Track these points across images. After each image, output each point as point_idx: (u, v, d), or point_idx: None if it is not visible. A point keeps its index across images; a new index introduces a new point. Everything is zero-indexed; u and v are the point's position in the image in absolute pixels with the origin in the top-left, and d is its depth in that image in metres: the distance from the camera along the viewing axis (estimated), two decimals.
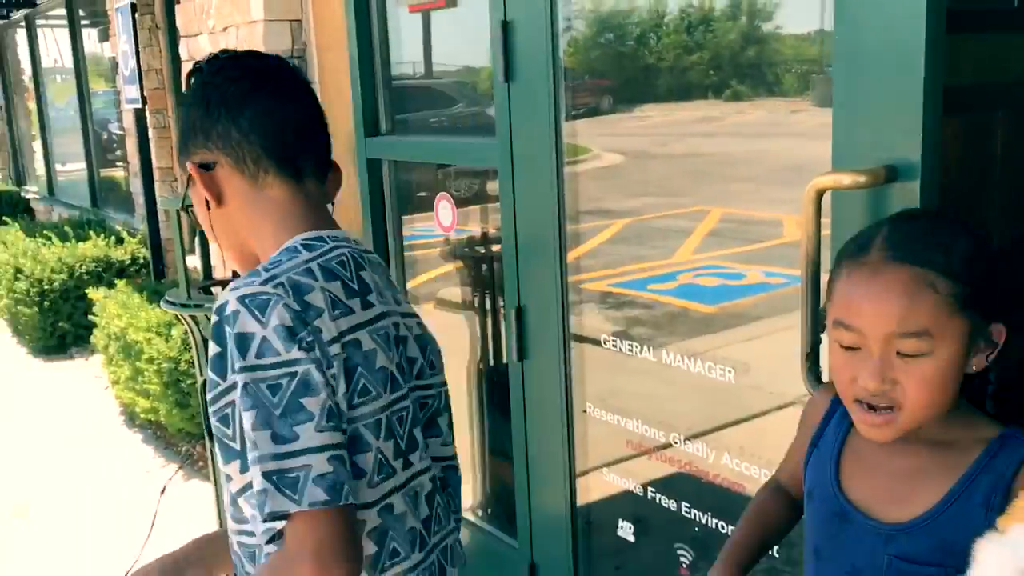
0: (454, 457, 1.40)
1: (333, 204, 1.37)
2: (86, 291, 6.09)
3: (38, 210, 10.24)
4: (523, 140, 2.28)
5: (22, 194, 10.69)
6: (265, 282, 1.14)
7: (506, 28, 2.23)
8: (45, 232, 6.77)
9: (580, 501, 2.39)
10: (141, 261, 6.46)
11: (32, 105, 10.43)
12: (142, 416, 4.68)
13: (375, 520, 1.21)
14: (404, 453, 1.24)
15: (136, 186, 6.88)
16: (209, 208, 1.29)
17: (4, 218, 8.11)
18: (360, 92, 2.90)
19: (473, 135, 2.91)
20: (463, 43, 2.88)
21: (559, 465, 2.38)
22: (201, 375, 2.83)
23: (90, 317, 5.19)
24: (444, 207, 2.77)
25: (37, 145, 10.67)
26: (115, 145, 8.46)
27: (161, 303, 2.80)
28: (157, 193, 5.65)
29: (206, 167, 1.28)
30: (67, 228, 6.85)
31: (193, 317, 2.70)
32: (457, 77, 3.11)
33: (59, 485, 4.32)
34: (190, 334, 2.81)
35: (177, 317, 4.32)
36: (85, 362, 6.15)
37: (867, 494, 1.12)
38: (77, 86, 8.52)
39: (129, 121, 6.68)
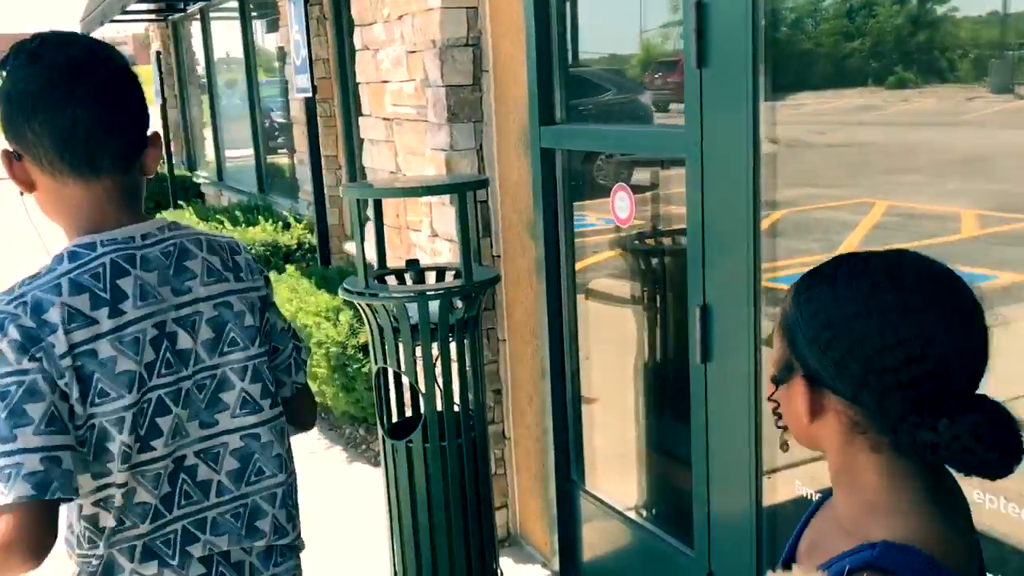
0: (257, 424, 1.49)
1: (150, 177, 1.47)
2: None
3: (208, 194, 10.76)
4: (715, 128, 2.16)
5: (193, 179, 11.25)
6: (10, 302, 1.31)
7: (701, 10, 2.11)
8: (218, 216, 7.07)
9: (766, 511, 2.27)
10: (306, 246, 6.66)
11: (204, 94, 10.95)
12: None
13: (113, 492, 1.38)
14: (142, 442, 1.37)
15: (302, 173, 7.10)
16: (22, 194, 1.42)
17: (179, 202, 8.54)
18: (536, 80, 2.84)
19: (626, 123, 2.82)
20: (622, 28, 2.79)
21: (744, 473, 2.26)
22: (375, 363, 2.84)
23: None
24: (621, 198, 2.68)
25: (208, 132, 11.21)
26: (278, 133, 8.77)
27: (340, 291, 2.82)
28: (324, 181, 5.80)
29: (17, 156, 1.37)
30: (238, 213, 7.13)
31: (370, 305, 2.71)
32: (613, 63, 3.03)
33: None
34: (366, 322, 2.82)
35: (346, 303, 4.42)
36: None
37: None
38: (246, 75, 8.87)
39: (297, 110, 6.89)
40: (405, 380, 2.95)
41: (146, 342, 1.37)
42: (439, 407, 2.82)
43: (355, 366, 4.22)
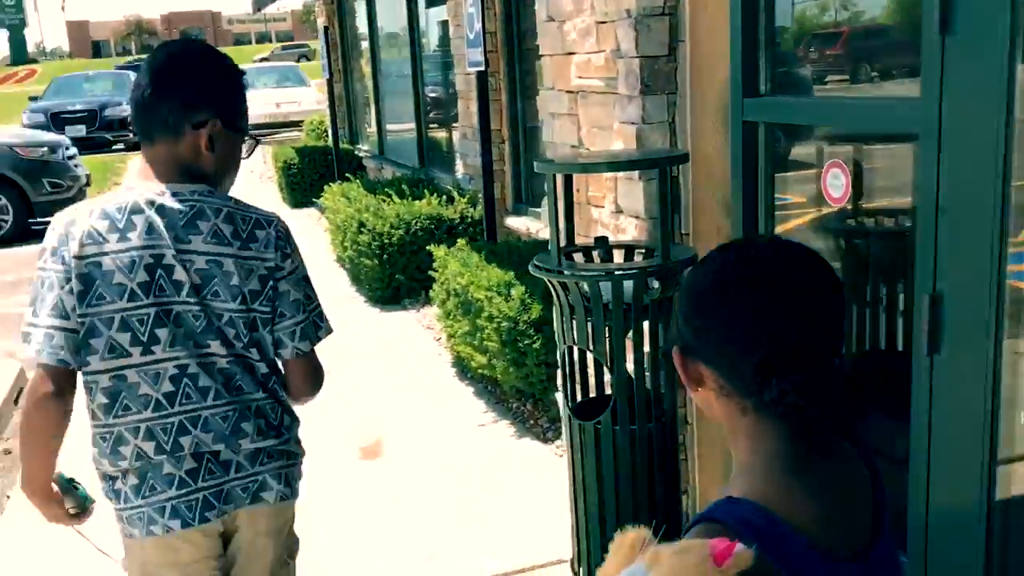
0: (233, 357, 1.87)
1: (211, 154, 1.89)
2: (421, 247, 6.42)
3: (369, 168, 11.01)
4: (959, 101, 1.97)
5: (356, 152, 11.53)
6: (65, 213, 1.85)
7: None
8: (385, 189, 7.20)
9: (998, 523, 2.08)
10: (468, 220, 6.70)
11: (367, 68, 11.18)
12: (476, 370, 4.83)
13: (107, 383, 1.83)
14: (144, 344, 1.81)
15: (464, 147, 7.14)
16: None
17: (347, 175, 8.76)
18: (740, 50, 2.70)
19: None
20: None
21: (972, 474, 2.08)
22: (563, 341, 2.79)
23: (429, 273, 5.43)
24: (835, 175, 2.52)
25: (370, 106, 11.45)
26: (438, 107, 8.85)
27: (530, 267, 2.78)
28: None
29: None
30: (404, 186, 7.24)
31: (562, 283, 2.66)
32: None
33: (397, 427, 4.56)
34: (555, 300, 2.77)
35: (519, 277, 4.40)
36: (417, 313, 6.50)
37: None
38: (410, 50, 8.98)
39: (463, 84, 6.92)
40: (590, 359, 2.89)
41: (141, 266, 1.81)
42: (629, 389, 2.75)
43: (526, 341, 4.20)
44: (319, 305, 1.98)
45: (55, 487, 1.92)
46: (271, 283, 1.87)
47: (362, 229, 6.64)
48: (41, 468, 1.88)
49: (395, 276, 6.62)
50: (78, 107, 18.86)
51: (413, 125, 9.29)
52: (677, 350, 1.13)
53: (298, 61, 33.39)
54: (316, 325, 1.95)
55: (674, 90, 3.10)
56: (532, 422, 4.47)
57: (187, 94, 1.86)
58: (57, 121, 18.41)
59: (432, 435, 4.45)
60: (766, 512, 1.02)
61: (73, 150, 12.40)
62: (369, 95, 11.32)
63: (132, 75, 21.10)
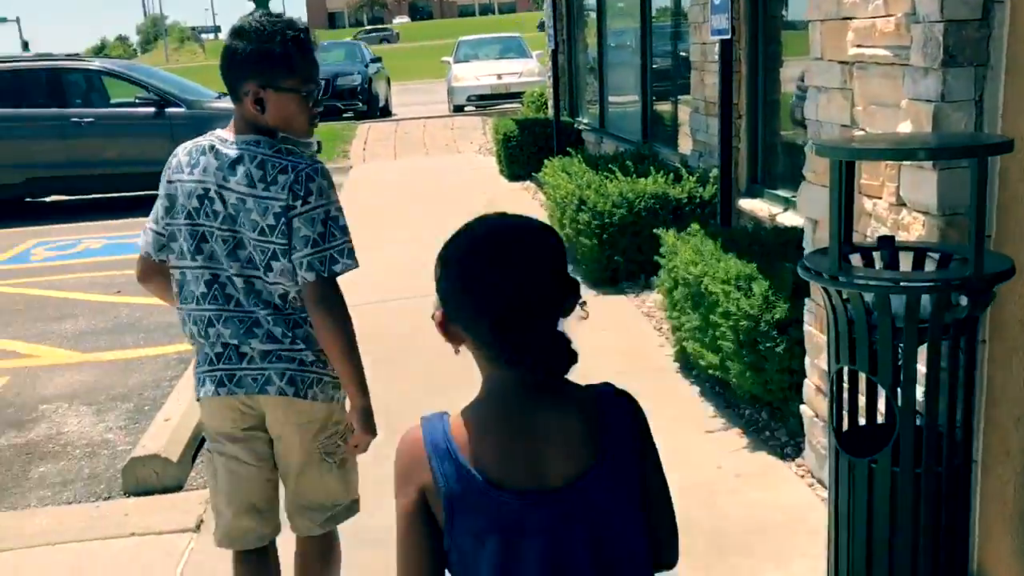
0: (255, 276, 2.31)
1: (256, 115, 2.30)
2: (644, 228, 6.04)
3: (588, 141, 10.70)
4: None
5: (575, 125, 11.25)
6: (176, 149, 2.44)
7: None
8: (609, 166, 6.85)
9: None
10: (697, 200, 6.24)
11: (592, 38, 10.84)
12: (704, 369, 4.42)
13: (177, 275, 2.40)
14: (193, 253, 2.34)
15: (695, 121, 6.67)
16: None
17: (567, 148, 8.49)
18: None
19: None
20: None
21: None
22: (836, 360, 2.35)
23: (655, 258, 5.05)
24: None
25: (592, 78, 11.12)
26: (664, 79, 8.38)
27: (799, 270, 2.36)
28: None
29: None
30: (628, 162, 6.87)
31: (839, 292, 2.22)
32: None
33: None
34: (827, 310, 2.33)
35: (763, 271, 3.94)
36: (636, 299, 6.14)
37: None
38: (640, 18, 8.55)
39: (698, 54, 6.44)
40: (861, 380, 2.43)
41: (195, 195, 2.30)
42: (917, 423, 2.27)
43: (767, 344, 3.75)
44: (343, 244, 2.30)
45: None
46: (284, 220, 2.24)
47: (582, 207, 6.34)
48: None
49: (614, 258, 6.28)
50: None
51: (637, 97, 8.87)
52: (440, 312, 1.34)
53: (380, 44, 33.15)
54: (332, 259, 2.27)
55: (984, 61, 2.55)
56: (768, 433, 4.01)
57: (229, 68, 2.32)
58: None
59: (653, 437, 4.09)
60: (445, 430, 1.33)
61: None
62: (593, 66, 10.98)
63: (364, 45, 21.91)
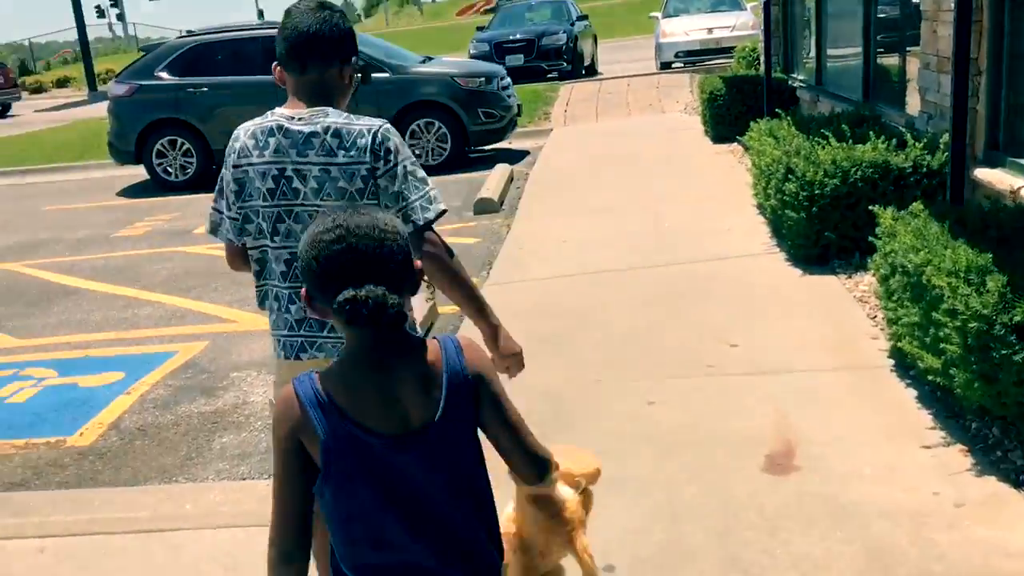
0: None
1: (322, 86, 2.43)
2: (860, 200, 5.40)
3: (803, 100, 9.89)
4: None
5: (789, 82, 10.43)
6: (236, 131, 2.49)
7: None
8: (821, 130, 6.19)
9: None
10: (922, 170, 5.50)
11: None
12: (923, 373, 3.82)
13: (257, 255, 2.48)
14: (270, 234, 2.42)
15: (927, 79, 5.87)
16: None
17: (776, 109, 7.82)
18: None
19: None
20: None
21: None
22: None
23: (870, 238, 4.45)
24: None
25: (809, 29, 10.23)
26: (890, 30, 7.50)
27: None
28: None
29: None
30: (844, 126, 6.18)
31: None
32: None
33: (816, 430, 3.75)
34: None
35: (1000, 262, 3.32)
36: (848, 280, 5.51)
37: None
38: None
39: (929, 2, 5.65)
40: None
41: (269, 176, 2.37)
42: None
43: (1003, 351, 3.15)
44: (428, 192, 2.39)
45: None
46: (371, 181, 2.33)
47: (789, 176, 5.75)
48: None
49: (824, 233, 5.67)
50: (518, 36, 19.59)
51: (859, 50, 8.01)
52: (305, 291, 1.66)
53: None
54: (424, 208, 2.37)
55: None
56: (1000, 454, 3.40)
57: (329, 41, 2.40)
58: (499, 51, 19.29)
59: (857, 449, 3.58)
60: (315, 385, 1.62)
61: (507, 80, 12.73)
62: (809, 17, 10.09)
63: (572, 2, 21.51)
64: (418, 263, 1.68)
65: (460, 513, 1.65)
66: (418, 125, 11.79)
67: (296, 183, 2.36)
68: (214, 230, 2.53)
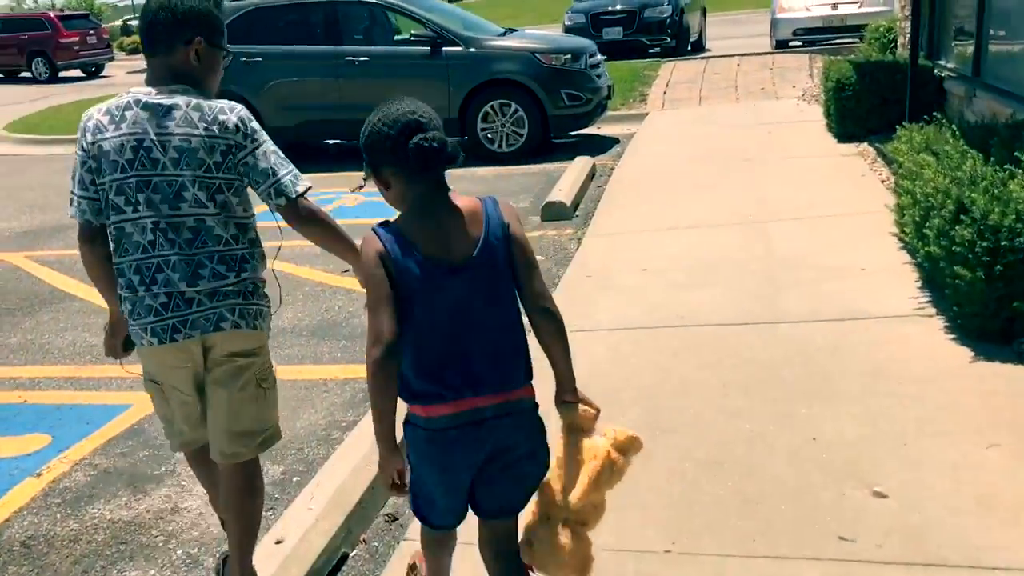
0: (203, 214, 2.52)
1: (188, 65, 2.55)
2: None
3: (954, 94, 8.03)
4: None
5: (935, 71, 8.55)
6: (86, 111, 2.59)
7: None
8: (1014, 152, 4.45)
9: None
10: None
11: None
12: None
13: (113, 231, 2.53)
14: (133, 204, 2.49)
15: None
16: None
17: (932, 113, 6.05)
18: None
19: None
20: None
21: None
22: None
23: None
24: None
25: (964, 7, 8.33)
26: None
27: None
28: None
29: None
30: None
31: None
32: None
33: None
34: None
35: None
36: None
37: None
38: None
39: None
40: None
41: (128, 147, 2.48)
42: None
43: None
44: (292, 169, 2.57)
45: (115, 324, 2.74)
46: (229, 157, 2.49)
47: (962, 217, 4.08)
48: (107, 300, 2.71)
49: (1011, 303, 3.99)
50: (618, 7, 17.81)
51: None
52: (370, 173, 2.18)
53: None
54: (292, 183, 2.54)
55: None
56: None
57: (177, 20, 2.53)
58: (596, 23, 17.61)
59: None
60: (399, 231, 2.13)
61: (598, 57, 11.11)
62: None
63: None
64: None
65: (494, 324, 2.16)
66: (492, 107, 10.33)
67: (156, 153, 2.47)
68: (79, 214, 2.57)
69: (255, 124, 2.53)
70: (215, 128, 2.46)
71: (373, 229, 2.14)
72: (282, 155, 2.56)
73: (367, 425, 3.93)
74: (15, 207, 9.85)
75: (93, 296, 6.35)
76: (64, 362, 5.24)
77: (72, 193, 2.56)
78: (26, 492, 3.78)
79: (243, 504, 2.72)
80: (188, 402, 2.67)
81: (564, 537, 2.24)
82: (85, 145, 2.51)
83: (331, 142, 11.86)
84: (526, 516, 2.32)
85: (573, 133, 11.10)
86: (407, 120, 2.10)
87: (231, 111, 2.49)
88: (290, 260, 6.92)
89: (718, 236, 6.32)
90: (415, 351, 2.13)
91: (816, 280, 5.19)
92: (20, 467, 3.98)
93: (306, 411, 4.35)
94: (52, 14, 28.43)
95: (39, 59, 26.48)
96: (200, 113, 2.46)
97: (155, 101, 2.48)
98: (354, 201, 8.94)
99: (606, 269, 5.90)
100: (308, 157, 11.37)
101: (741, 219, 6.66)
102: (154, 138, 2.46)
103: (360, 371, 4.74)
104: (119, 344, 2.77)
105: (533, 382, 2.23)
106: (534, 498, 2.29)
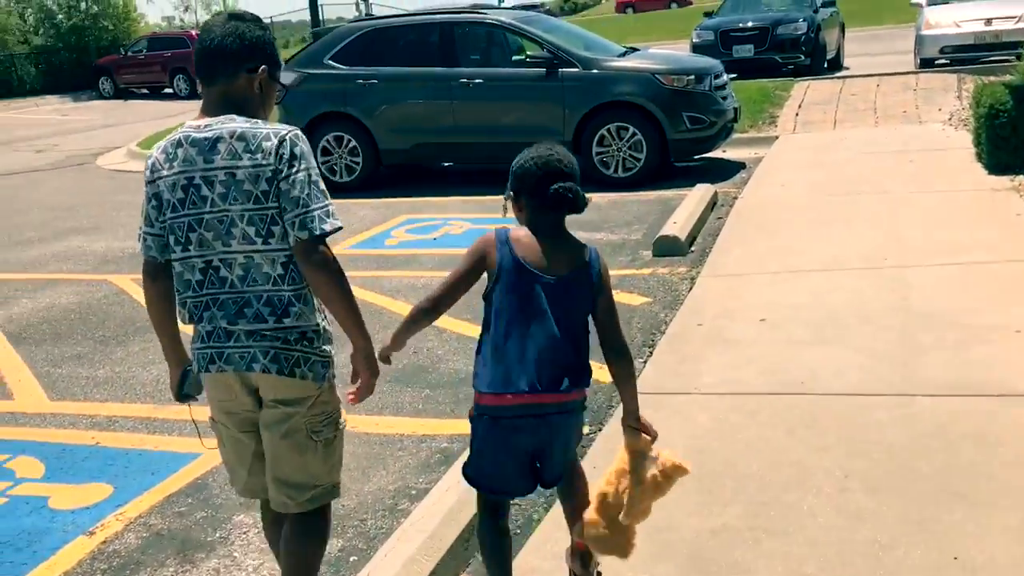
0: (253, 251, 2.43)
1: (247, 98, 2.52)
2: None
3: None
4: None
5: None
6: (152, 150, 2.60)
7: None
8: None
9: None
10: None
11: None
12: None
13: (178, 268, 2.51)
14: (183, 244, 2.47)
15: None
16: None
17: None
18: None
19: None
20: None
21: None
22: None
23: None
24: None
25: None
26: None
27: None
28: None
29: None
30: None
31: None
32: None
33: None
34: None
35: None
36: None
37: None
38: None
39: None
40: None
41: (179, 186, 2.44)
42: None
43: None
44: (326, 205, 2.41)
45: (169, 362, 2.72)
46: (275, 184, 2.38)
47: None
48: (161, 337, 2.69)
49: None
50: (749, 24, 17.05)
51: None
52: (510, 196, 2.61)
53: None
54: (321, 219, 2.38)
55: None
56: None
57: (243, 49, 2.48)
58: (726, 40, 16.90)
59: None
60: (516, 237, 2.56)
61: (724, 78, 10.51)
62: None
63: None
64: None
65: (565, 337, 2.53)
66: (608, 130, 9.88)
67: (204, 190, 2.43)
68: (146, 250, 2.57)
69: (302, 148, 2.42)
70: (259, 156, 2.39)
71: (495, 229, 2.59)
72: (322, 187, 2.44)
73: (437, 495, 3.55)
74: (135, 225, 10.02)
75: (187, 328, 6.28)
76: (143, 399, 5.08)
77: (139, 228, 2.57)
78: (75, 554, 3.55)
79: (294, 549, 2.64)
80: (240, 440, 2.61)
81: (613, 529, 2.61)
82: (147, 183, 2.51)
83: (445, 164, 11.64)
84: (589, 513, 2.67)
85: (695, 157, 10.53)
86: (554, 167, 2.53)
87: (275, 135, 2.41)
88: (387, 292, 6.66)
89: (848, 282, 5.67)
90: (493, 347, 2.53)
91: (962, 342, 4.51)
92: (75, 523, 3.77)
93: (376, 472, 4.00)
94: (194, 32, 29.61)
95: (180, 76, 27.60)
96: (244, 143, 2.40)
97: (201, 136, 2.43)
98: (460, 229, 8.65)
99: (719, 318, 5.36)
100: (422, 180, 11.23)
101: (875, 263, 6.00)
102: (202, 174, 2.42)
103: (439, 427, 4.39)
104: (176, 385, 2.71)
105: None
106: (595, 493, 2.68)
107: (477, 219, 8.86)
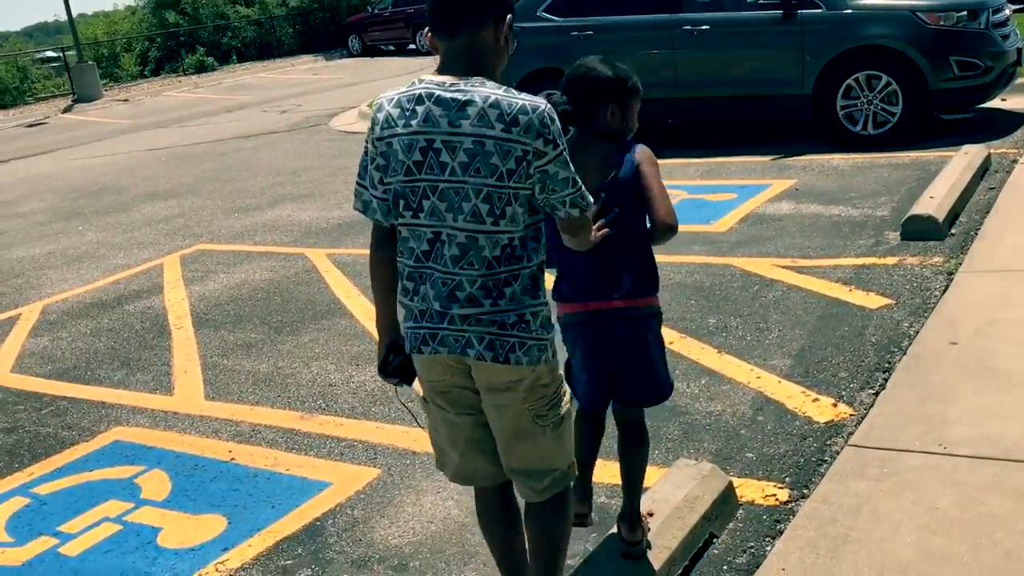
0: (477, 231, 2.23)
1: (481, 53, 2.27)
2: None
3: None
4: None
5: None
6: (374, 100, 3.35)
7: None
8: None
9: None
10: None
11: None
12: None
13: (403, 233, 2.34)
14: (413, 210, 2.27)
15: None
16: None
17: None
18: None
19: None
20: None
21: None
22: None
23: None
24: None
25: None
26: None
27: None
28: None
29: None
30: None
31: None
32: None
33: None
34: None
35: None
36: None
37: None
38: None
39: None
40: None
41: (416, 148, 2.22)
42: None
43: None
44: (581, 186, 2.32)
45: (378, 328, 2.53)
46: (525, 163, 2.20)
47: None
48: (377, 304, 2.51)
49: None
50: None
51: None
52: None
53: None
54: (584, 196, 2.33)
55: None
56: None
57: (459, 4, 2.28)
58: None
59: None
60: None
61: (1006, 12, 8.70)
62: None
63: None
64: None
65: (623, 245, 2.66)
66: (856, 79, 8.47)
67: (445, 156, 2.22)
68: (365, 208, 2.40)
69: (558, 125, 2.25)
70: (513, 130, 2.18)
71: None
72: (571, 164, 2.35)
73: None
74: (346, 192, 9.81)
75: (363, 312, 5.85)
76: (292, 406, 4.65)
77: (358, 186, 2.41)
78: None
79: (542, 529, 2.57)
80: (454, 423, 2.48)
81: None
82: (375, 140, 2.30)
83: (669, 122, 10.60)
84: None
85: (965, 110, 8.84)
86: (566, 81, 2.73)
87: (533, 111, 2.20)
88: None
89: None
90: (561, 261, 2.72)
91: None
92: (173, 570, 3.34)
93: None
94: None
95: (422, 32, 27.90)
96: (499, 111, 2.18)
97: (449, 95, 2.21)
98: (675, 200, 7.65)
99: (981, 335, 4.13)
100: (640, 140, 10.27)
101: None
102: (445, 138, 2.21)
103: None
104: (382, 356, 2.51)
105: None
106: None
107: (695, 187, 7.85)
